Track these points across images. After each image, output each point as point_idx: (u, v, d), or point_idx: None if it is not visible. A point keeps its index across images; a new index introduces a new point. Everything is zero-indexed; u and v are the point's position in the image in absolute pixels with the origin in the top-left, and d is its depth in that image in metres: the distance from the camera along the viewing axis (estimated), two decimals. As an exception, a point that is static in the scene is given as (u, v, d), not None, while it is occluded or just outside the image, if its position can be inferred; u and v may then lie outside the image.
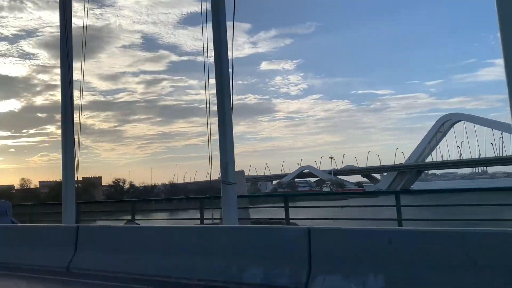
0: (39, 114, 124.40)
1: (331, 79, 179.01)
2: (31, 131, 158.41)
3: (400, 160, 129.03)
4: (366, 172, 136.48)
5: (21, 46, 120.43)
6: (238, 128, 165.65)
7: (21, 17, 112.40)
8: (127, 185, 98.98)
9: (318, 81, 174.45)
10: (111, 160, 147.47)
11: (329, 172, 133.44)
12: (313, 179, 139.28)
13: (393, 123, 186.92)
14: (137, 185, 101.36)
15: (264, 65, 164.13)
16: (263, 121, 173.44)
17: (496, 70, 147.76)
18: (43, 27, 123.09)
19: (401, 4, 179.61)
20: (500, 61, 6.59)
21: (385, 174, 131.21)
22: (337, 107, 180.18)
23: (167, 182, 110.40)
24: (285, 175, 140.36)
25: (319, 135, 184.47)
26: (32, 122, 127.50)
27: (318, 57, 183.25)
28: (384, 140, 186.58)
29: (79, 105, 12.64)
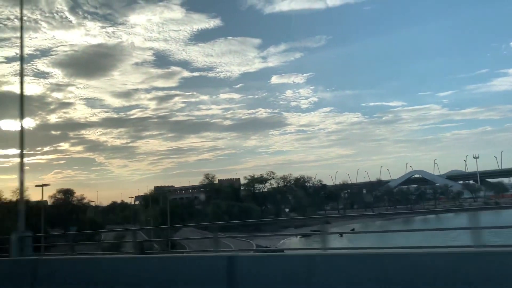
0: (53, 132, 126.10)
1: (341, 92, 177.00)
2: (45, 149, 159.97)
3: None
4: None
5: (36, 65, 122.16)
6: (250, 142, 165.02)
7: (36, 37, 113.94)
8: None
9: (328, 94, 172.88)
10: (123, 176, 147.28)
11: (446, 176, 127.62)
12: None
13: (405, 135, 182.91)
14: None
15: (275, 79, 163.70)
16: (274, 135, 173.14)
17: (509, 80, 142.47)
18: (57, 46, 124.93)
19: (411, 16, 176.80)
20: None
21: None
22: (349, 120, 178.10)
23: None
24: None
25: (331, 148, 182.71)
26: (46, 140, 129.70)
27: (328, 70, 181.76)
28: (397, 153, 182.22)
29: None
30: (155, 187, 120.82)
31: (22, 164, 10.06)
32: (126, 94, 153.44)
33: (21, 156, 9.99)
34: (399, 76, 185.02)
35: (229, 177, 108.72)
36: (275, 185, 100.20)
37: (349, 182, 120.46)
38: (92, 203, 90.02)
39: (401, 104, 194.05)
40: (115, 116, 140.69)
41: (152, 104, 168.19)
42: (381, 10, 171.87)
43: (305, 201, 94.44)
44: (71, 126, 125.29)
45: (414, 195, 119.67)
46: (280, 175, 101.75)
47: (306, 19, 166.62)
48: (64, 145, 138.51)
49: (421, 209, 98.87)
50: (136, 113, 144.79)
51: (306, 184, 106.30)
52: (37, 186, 55.41)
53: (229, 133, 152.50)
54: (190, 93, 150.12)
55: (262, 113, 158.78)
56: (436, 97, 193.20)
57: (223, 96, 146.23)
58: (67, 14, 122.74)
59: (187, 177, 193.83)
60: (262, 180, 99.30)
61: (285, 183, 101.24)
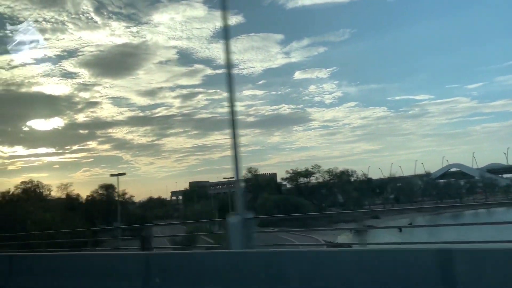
0: (81, 131, 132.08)
1: (366, 86, 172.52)
2: (74, 148, 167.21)
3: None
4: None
5: (63, 66, 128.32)
6: (273, 138, 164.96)
7: (63, 38, 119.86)
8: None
9: (353, 88, 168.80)
10: (150, 173, 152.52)
11: (486, 169, 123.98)
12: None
13: (433, 129, 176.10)
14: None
15: (298, 75, 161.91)
16: (298, 131, 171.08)
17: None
18: (83, 47, 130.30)
19: (437, 6, 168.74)
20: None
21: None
22: (374, 114, 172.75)
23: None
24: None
25: (356, 143, 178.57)
26: (75, 139, 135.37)
27: (353, 64, 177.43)
28: (424, 147, 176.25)
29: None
30: (190, 183, 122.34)
31: (235, 145, 10.22)
32: (151, 93, 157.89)
33: (234, 136, 10.29)
34: (426, 69, 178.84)
35: (263, 172, 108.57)
36: (320, 179, 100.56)
37: (396, 175, 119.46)
38: (133, 199, 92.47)
39: (428, 98, 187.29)
40: (141, 114, 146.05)
41: (176, 102, 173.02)
42: (405, 2, 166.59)
43: (354, 195, 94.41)
44: (98, 125, 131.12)
45: (462, 188, 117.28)
46: (325, 169, 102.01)
47: (329, 13, 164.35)
48: (92, 144, 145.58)
49: (472, 203, 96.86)
50: (161, 111, 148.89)
51: (350, 178, 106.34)
52: (112, 175, 57.27)
53: (253, 129, 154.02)
54: (213, 90, 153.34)
55: (285, 109, 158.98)
56: (465, 90, 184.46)
57: (246, 92, 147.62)
58: (92, 15, 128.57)
59: (211, 174, 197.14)
60: (307, 173, 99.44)
61: (331, 177, 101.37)
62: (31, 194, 64.75)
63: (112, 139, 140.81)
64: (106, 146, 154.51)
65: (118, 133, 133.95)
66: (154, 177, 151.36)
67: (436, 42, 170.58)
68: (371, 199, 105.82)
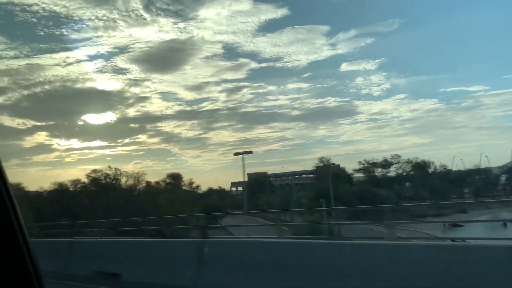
0: (132, 125, 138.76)
1: (416, 78, 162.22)
2: (125, 141, 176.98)
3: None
4: None
5: (115, 62, 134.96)
6: (318, 132, 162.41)
7: (114, 35, 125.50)
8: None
9: (402, 80, 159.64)
10: (197, 166, 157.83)
11: None
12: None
13: (488, 122, 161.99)
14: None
15: (344, 67, 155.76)
16: (344, 124, 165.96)
17: None
18: (133, 43, 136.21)
19: None
20: None
21: None
22: (424, 107, 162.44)
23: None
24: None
25: (405, 136, 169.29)
26: (126, 132, 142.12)
27: (402, 55, 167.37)
28: (478, 141, 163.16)
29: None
30: (248, 174, 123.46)
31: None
32: (198, 87, 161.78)
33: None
34: (480, 59, 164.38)
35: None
36: (400, 170, 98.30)
37: (481, 167, 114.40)
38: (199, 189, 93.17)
39: (482, 89, 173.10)
40: (188, 108, 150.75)
41: (222, 96, 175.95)
42: None
43: (440, 186, 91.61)
44: (148, 119, 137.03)
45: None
46: (405, 159, 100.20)
47: (377, 2, 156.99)
48: (142, 137, 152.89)
49: None
50: (207, 106, 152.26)
51: (428, 169, 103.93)
52: (235, 154, 57.62)
53: (297, 123, 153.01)
54: (258, 84, 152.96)
55: (331, 102, 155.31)
56: None
57: (291, 86, 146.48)
58: (142, 12, 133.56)
59: (257, 167, 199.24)
60: (385, 164, 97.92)
61: (411, 168, 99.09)
62: (106, 184, 66.28)
63: (161, 133, 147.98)
64: (156, 140, 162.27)
65: (167, 127, 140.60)
66: (201, 169, 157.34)
67: (491, 31, 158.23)
68: (453, 191, 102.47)
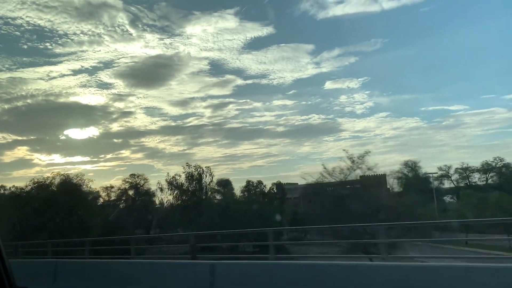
0: (115, 140, 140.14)
1: (399, 96, 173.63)
2: (108, 156, 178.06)
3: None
4: None
5: (99, 77, 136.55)
6: (303, 148, 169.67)
7: (99, 50, 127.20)
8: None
9: (385, 98, 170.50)
10: None
11: None
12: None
13: (468, 141, 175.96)
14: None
15: (328, 85, 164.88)
16: (328, 141, 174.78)
17: None
18: (119, 58, 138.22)
19: (471, 15, 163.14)
20: None
21: None
22: (407, 125, 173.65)
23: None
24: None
25: (389, 154, 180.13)
26: (109, 148, 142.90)
27: (385, 74, 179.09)
28: (459, 159, 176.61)
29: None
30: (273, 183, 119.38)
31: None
32: (183, 103, 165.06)
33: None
34: (460, 79, 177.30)
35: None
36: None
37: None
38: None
39: (463, 108, 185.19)
40: (173, 124, 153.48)
41: (208, 112, 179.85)
42: (439, 11, 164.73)
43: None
44: (131, 134, 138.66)
45: None
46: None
47: (360, 23, 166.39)
48: (125, 152, 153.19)
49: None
50: (192, 121, 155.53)
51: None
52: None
53: (282, 139, 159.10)
54: (244, 100, 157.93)
55: (315, 119, 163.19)
56: (502, 100, 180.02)
57: (276, 102, 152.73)
58: (128, 27, 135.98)
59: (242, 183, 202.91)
60: (487, 169, 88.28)
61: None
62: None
63: (144, 148, 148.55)
64: (139, 155, 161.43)
65: (151, 142, 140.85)
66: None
67: (471, 52, 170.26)
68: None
